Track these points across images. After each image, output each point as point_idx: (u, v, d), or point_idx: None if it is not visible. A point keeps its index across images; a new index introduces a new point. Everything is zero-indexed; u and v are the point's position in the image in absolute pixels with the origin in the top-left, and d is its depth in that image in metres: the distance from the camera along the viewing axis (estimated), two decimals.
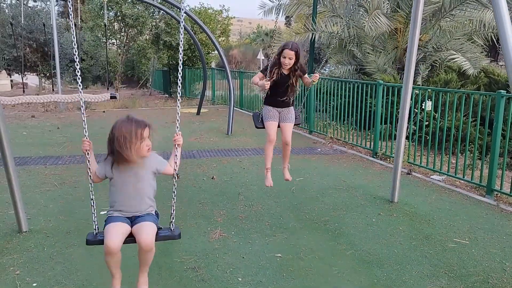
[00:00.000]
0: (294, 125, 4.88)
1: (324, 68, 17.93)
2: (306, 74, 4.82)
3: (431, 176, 6.84)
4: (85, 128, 2.87)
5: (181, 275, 3.61)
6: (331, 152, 8.47)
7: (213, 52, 20.32)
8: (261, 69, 4.79)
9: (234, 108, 10.77)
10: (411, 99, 7.12)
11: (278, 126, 4.82)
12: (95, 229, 2.87)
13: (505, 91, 5.72)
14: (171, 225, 2.96)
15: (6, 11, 20.94)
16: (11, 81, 22.66)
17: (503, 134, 5.91)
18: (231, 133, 10.06)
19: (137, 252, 2.81)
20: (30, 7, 21.44)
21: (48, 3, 20.28)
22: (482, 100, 6.41)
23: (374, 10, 11.57)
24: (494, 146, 5.73)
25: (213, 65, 25.38)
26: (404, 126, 5.36)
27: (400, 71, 11.57)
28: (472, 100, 6.46)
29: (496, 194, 5.84)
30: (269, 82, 4.54)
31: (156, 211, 2.95)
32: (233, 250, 4.07)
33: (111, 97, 8.92)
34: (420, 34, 9.78)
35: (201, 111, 13.73)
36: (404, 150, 6.08)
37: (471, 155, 7.08)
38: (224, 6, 20.70)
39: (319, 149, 8.66)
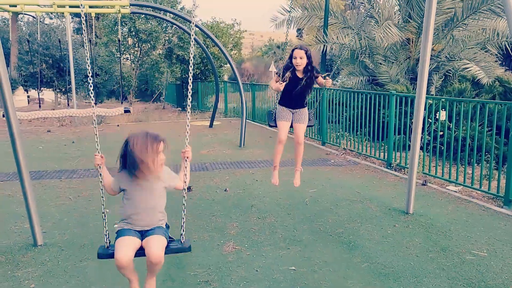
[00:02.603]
0: (308, 126, 4.87)
1: (336, 79, 17.92)
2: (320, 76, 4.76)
3: (447, 187, 6.74)
4: (97, 142, 2.97)
5: None
6: (345, 163, 8.41)
7: (225, 65, 20.49)
8: (276, 72, 4.85)
9: (246, 120, 10.80)
10: (425, 109, 7.06)
11: (291, 127, 4.83)
12: (106, 243, 2.92)
13: None
14: (181, 238, 3.01)
15: (24, 28, 21.45)
16: (28, 96, 23.09)
17: None
18: (243, 145, 10.07)
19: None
20: (46, 24, 21.93)
21: (64, 20, 20.74)
22: (497, 109, 6.32)
23: (385, 21, 11.57)
24: (511, 155, 5.63)
25: (225, 78, 25.56)
26: (418, 136, 5.30)
27: (413, 82, 11.50)
28: (487, 109, 6.37)
29: None
30: (283, 84, 4.58)
31: (166, 223, 3.01)
32: (247, 263, 4.05)
33: (125, 111, 9.00)
34: (432, 44, 9.74)
35: (213, 123, 13.80)
36: (419, 160, 6.01)
37: (488, 165, 6.96)
38: (235, 20, 20.89)
39: (332, 161, 8.61)
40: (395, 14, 12.74)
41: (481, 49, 11.87)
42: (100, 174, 2.91)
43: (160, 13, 13.57)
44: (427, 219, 5.20)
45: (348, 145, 9.53)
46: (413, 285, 3.64)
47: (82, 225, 5.03)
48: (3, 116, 4.11)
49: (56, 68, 18.16)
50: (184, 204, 3.03)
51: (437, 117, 7.62)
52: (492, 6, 10.66)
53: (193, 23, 3.09)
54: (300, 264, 4.03)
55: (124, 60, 20.00)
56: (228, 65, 15.15)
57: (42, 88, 18.65)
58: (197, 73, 19.31)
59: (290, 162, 8.51)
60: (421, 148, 7.47)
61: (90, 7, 9.23)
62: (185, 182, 3.03)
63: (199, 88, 19.45)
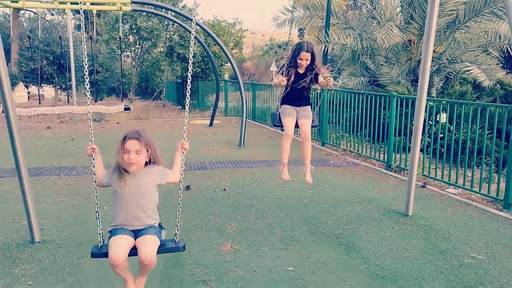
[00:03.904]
0: (312, 126, 4.89)
1: (337, 80, 17.92)
2: (322, 76, 4.75)
3: (446, 189, 6.72)
4: (91, 133, 2.99)
5: None
6: (344, 164, 8.40)
7: (226, 64, 20.46)
8: (278, 70, 4.99)
9: (247, 119, 10.78)
10: (426, 111, 7.05)
11: (296, 126, 4.83)
12: (100, 242, 2.90)
13: None
14: (175, 237, 2.96)
15: (25, 24, 21.41)
16: (28, 92, 23.07)
17: None
18: (243, 144, 10.06)
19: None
20: (47, 20, 21.90)
21: (65, 16, 20.69)
22: (498, 112, 6.31)
23: (386, 22, 11.55)
24: (511, 159, 5.62)
25: (226, 77, 25.52)
26: (419, 138, 5.29)
27: (414, 83, 11.49)
28: (488, 112, 6.36)
29: None
30: (285, 78, 4.62)
31: (160, 223, 2.99)
32: (244, 263, 4.03)
33: (125, 109, 8.97)
34: (434, 46, 9.73)
35: (213, 122, 13.78)
36: (419, 162, 5.99)
37: (487, 168, 6.95)
38: (237, 19, 20.94)
39: (332, 161, 8.60)
40: (397, 15, 12.72)
41: (482, 51, 11.86)
42: (94, 166, 2.91)
43: (161, 11, 13.55)
44: (426, 222, 5.19)
45: (348, 146, 9.52)
46: None
47: (80, 222, 5.01)
48: (2, 112, 4.09)
49: (56, 64, 18.14)
50: (179, 204, 3.00)
51: (438, 119, 7.60)
52: (494, 9, 10.66)
53: (193, 22, 3.06)
54: (298, 264, 4.02)
55: (125, 57, 19.98)
56: (229, 64, 15.12)
57: (42, 85, 18.65)
58: (198, 71, 19.28)
59: (289, 162, 8.50)
60: (421, 150, 7.45)
61: (92, 4, 9.20)
62: (182, 173, 2.98)
63: (199, 87, 19.43)
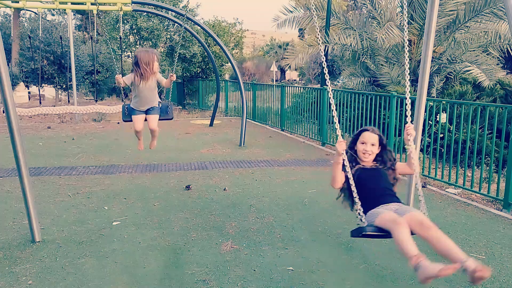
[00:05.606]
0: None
1: (338, 80, 17.92)
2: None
3: (446, 189, 6.73)
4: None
5: (191, 287, 3.59)
6: None
7: (226, 64, 20.48)
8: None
9: (247, 119, 10.79)
10: (426, 111, 7.05)
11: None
12: (126, 111, 5.29)
13: None
14: (168, 109, 5.37)
15: (25, 24, 21.42)
16: (29, 92, 23.07)
17: None
18: (243, 144, 10.07)
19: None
20: (48, 20, 21.91)
21: (65, 16, 20.73)
22: (498, 112, 6.31)
23: (386, 22, 11.57)
24: (511, 159, 5.62)
25: (226, 77, 25.53)
26: (419, 138, 5.29)
27: (414, 83, 11.50)
28: (488, 112, 6.36)
29: None
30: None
31: (159, 102, 5.27)
32: (244, 262, 4.04)
33: None
34: (434, 46, 9.73)
35: (214, 122, 13.79)
36: (419, 162, 5.99)
37: (487, 168, 6.95)
38: (237, 19, 20.97)
39: (332, 161, 8.60)
40: (397, 15, 12.73)
41: (482, 51, 11.87)
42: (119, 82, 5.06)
43: (162, 11, 13.56)
44: None
45: None
46: (411, 287, 3.63)
47: (80, 222, 5.02)
48: (3, 112, 4.11)
49: (57, 64, 18.15)
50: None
51: (438, 119, 7.61)
52: (494, 9, 10.67)
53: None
54: (298, 264, 4.02)
55: (126, 57, 19.99)
56: (229, 64, 15.14)
57: (43, 85, 18.66)
58: (198, 71, 19.31)
59: (290, 163, 8.53)
60: (421, 150, 7.48)
61: (92, 4, 9.20)
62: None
63: (200, 87, 19.44)
